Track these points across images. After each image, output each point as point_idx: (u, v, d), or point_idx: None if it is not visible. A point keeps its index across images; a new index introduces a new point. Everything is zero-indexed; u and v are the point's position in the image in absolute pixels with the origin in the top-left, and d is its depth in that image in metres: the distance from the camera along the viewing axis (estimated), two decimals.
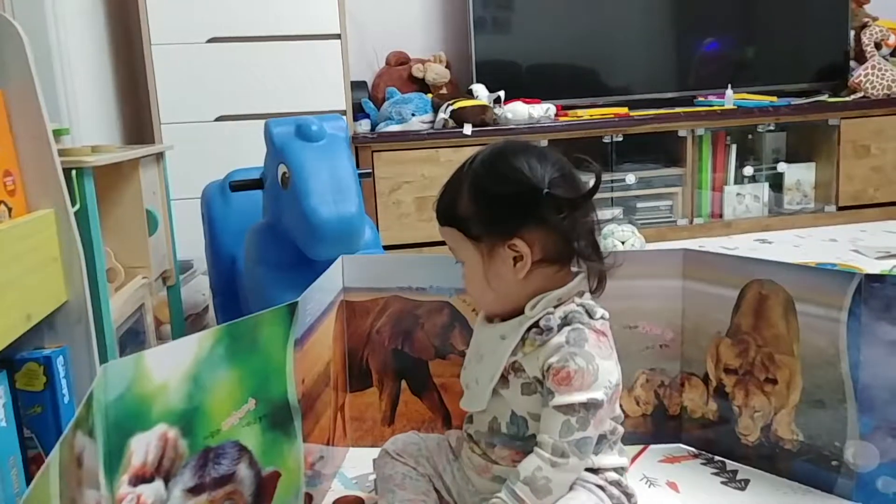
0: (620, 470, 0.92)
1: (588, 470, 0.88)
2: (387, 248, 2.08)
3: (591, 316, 0.88)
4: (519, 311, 0.90)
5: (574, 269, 0.92)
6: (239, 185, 1.46)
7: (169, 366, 0.74)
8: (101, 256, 1.18)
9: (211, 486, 0.80)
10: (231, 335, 0.82)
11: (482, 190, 0.88)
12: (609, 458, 0.91)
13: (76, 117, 1.91)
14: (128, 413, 0.69)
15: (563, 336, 0.86)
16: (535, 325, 0.88)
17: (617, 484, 0.90)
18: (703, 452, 1.17)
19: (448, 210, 0.91)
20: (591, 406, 0.83)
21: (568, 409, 0.83)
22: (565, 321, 0.87)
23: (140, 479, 0.71)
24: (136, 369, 0.71)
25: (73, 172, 1.11)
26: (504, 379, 0.90)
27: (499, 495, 0.85)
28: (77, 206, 1.09)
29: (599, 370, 0.84)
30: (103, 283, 1.17)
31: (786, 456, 1.08)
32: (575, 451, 0.83)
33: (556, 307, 0.88)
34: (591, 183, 0.89)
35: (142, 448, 0.71)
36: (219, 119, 2.41)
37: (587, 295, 0.91)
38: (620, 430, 0.94)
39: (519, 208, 0.87)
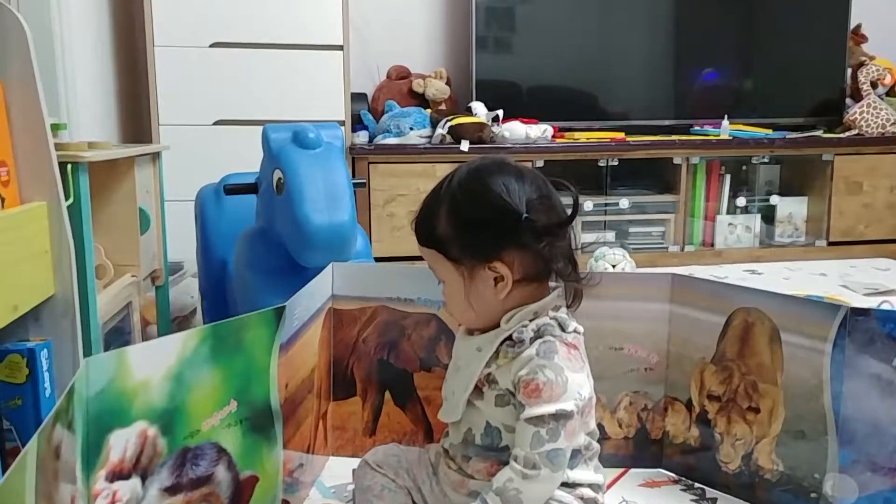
0: (596, 487, 0.92)
1: (563, 485, 0.88)
2: (379, 260, 2.08)
3: (563, 329, 0.89)
4: (498, 324, 0.91)
5: (552, 283, 0.93)
6: (233, 189, 1.47)
7: (151, 363, 0.74)
8: (91, 252, 1.18)
9: (188, 486, 0.80)
10: (216, 335, 0.82)
11: (461, 213, 0.89)
12: (584, 473, 0.91)
13: (75, 114, 1.91)
14: (108, 408, 0.69)
15: (533, 349, 0.87)
16: (510, 337, 0.89)
17: (593, 502, 0.90)
18: (683, 478, 1.17)
19: (427, 231, 0.92)
20: (560, 417, 0.84)
21: (538, 420, 0.84)
22: (538, 334, 0.88)
23: (117, 475, 0.70)
24: (119, 365, 0.70)
25: (69, 167, 1.11)
26: (478, 390, 0.91)
27: None
28: (70, 201, 1.09)
29: (569, 382, 0.85)
30: (91, 279, 1.17)
31: (765, 485, 1.08)
32: (546, 462, 0.83)
33: (531, 320, 0.89)
34: (570, 208, 0.90)
35: (120, 444, 0.71)
36: (217, 123, 2.41)
37: (563, 309, 0.92)
38: (596, 446, 0.94)
39: (498, 232, 0.87)
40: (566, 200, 0.92)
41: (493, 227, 0.87)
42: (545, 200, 0.89)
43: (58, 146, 1.08)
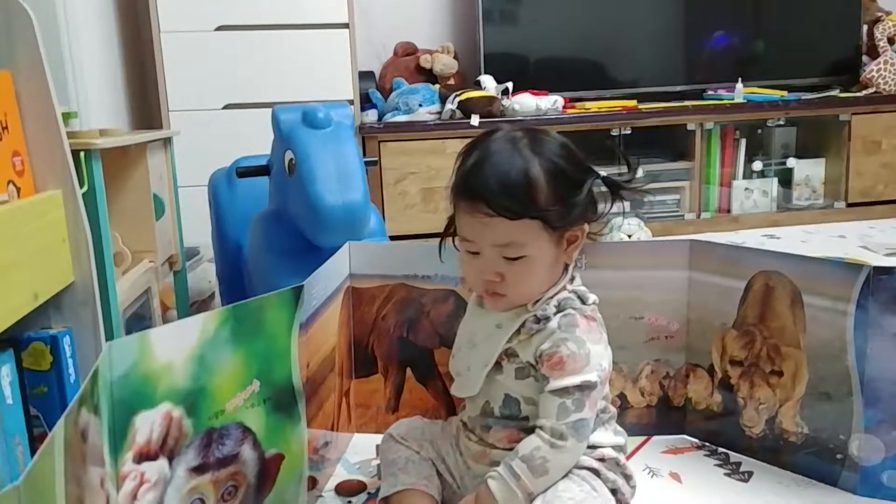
0: (617, 448, 0.92)
1: None
2: (392, 238, 2.08)
3: (583, 302, 0.91)
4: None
5: None
6: (245, 172, 1.46)
7: (174, 345, 0.75)
8: (108, 238, 1.18)
9: (214, 465, 0.81)
10: (236, 317, 0.82)
11: (565, 177, 0.87)
12: (603, 436, 0.92)
13: (85, 103, 1.91)
14: (132, 391, 0.69)
15: (555, 322, 0.88)
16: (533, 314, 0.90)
17: (615, 463, 0.90)
18: (707, 444, 1.17)
19: (527, 203, 0.84)
20: (585, 388, 0.85)
21: (563, 392, 0.85)
22: (559, 308, 0.89)
23: (144, 456, 0.71)
24: (141, 348, 0.71)
25: (81, 154, 1.11)
26: (497, 365, 0.91)
27: (497, 470, 0.85)
28: (84, 188, 1.09)
29: (591, 354, 0.86)
30: (110, 266, 1.17)
31: (790, 448, 1.07)
32: (573, 432, 0.84)
33: (553, 296, 0.90)
34: (631, 173, 0.96)
35: (146, 426, 0.71)
36: (227, 107, 2.41)
37: (577, 280, 0.93)
38: (612, 409, 0.96)
39: (590, 193, 0.90)
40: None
41: (586, 186, 0.88)
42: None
43: (69, 134, 1.08)
